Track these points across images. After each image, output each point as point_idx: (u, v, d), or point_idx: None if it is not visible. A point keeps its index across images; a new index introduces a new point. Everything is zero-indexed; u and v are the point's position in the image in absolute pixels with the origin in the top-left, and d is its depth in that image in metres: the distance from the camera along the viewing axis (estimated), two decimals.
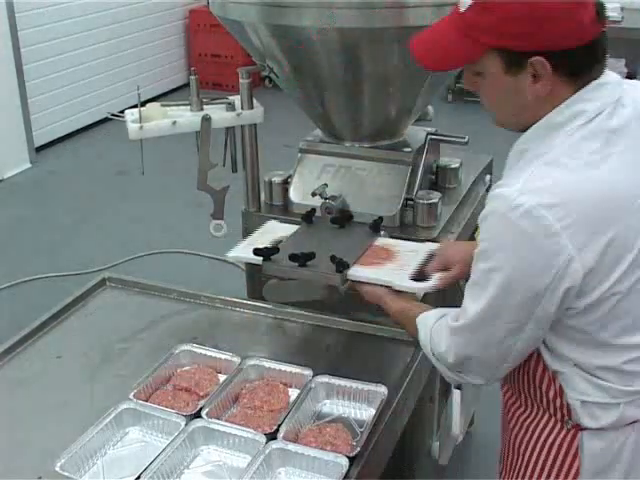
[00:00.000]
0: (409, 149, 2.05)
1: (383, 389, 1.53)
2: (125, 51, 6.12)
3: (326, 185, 2.00)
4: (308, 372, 1.58)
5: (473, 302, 1.21)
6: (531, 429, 1.33)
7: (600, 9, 1.16)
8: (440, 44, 1.22)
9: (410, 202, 1.99)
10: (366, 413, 1.52)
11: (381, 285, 1.59)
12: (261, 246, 1.76)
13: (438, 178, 2.21)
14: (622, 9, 4.64)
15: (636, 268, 1.16)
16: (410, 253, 1.73)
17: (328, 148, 2.11)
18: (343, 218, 1.91)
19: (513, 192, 1.12)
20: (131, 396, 1.51)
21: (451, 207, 2.09)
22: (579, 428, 1.26)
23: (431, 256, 1.69)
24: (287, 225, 1.92)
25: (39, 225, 4.34)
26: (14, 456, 1.44)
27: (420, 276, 1.62)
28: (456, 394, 1.70)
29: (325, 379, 1.57)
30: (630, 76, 4.51)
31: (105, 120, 5.09)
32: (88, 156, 5.38)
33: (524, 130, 1.23)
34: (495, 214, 1.14)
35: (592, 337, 1.20)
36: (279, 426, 1.42)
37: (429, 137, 2.10)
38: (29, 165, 5.22)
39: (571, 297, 1.15)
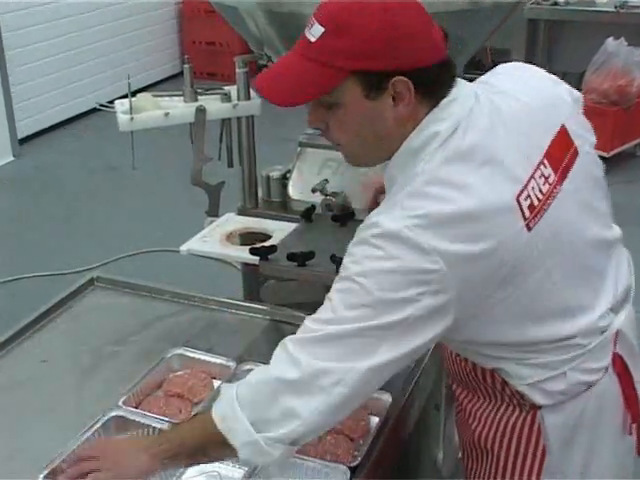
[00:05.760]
0: None
1: (386, 396, 1.54)
2: (115, 37, 6.12)
3: (327, 181, 2.01)
4: None
5: (322, 323, 1.17)
6: (490, 421, 1.37)
7: (445, 32, 1.22)
8: (290, 77, 1.19)
9: None
10: (369, 421, 1.52)
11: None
12: (216, 238, 1.79)
13: None
14: None
15: (507, 285, 1.18)
16: None
17: (329, 142, 2.11)
18: (344, 215, 1.92)
19: (379, 220, 1.16)
20: (120, 403, 1.52)
21: None
22: (536, 407, 1.30)
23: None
24: (247, 218, 1.95)
25: (23, 223, 4.34)
26: None
27: None
28: None
29: None
30: None
31: (94, 111, 5.09)
32: (75, 149, 5.38)
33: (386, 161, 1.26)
34: (361, 241, 1.18)
35: (505, 340, 1.26)
36: None
37: None
38: (12, 158, 5.22)
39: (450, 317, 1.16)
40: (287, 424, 1.16)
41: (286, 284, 1.92)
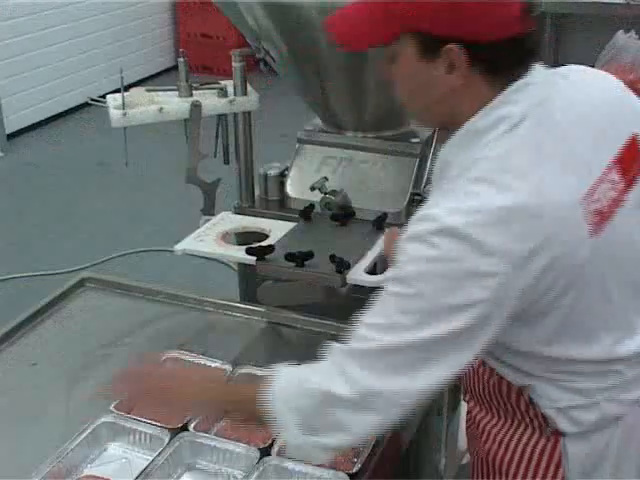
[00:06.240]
0: (417, 139, 2.06)
1: None
2: (107, 29, 6.12)
3: (326, 179, 2.01)
4: None
5: (377, 332, 1.14)
6: (505, 442, 1.33)
7: (531, 7, 1.16)
8: (356, 23, 1.21)
9: (417, 197, 1.99)
10: None
11: None
12: (211, 238, 1.79)
13: None
14: None
15: (564, 295, 1.15)
16: None
17: (328, 138, 2.11)
18: (344, 215, 1.92)
19: (436, 213, 1.10)
20: (112, 408, 1.52)
21: None
22: (559, 434, 1.27)
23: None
24: (243, 217, 1.95)
25: (11, 221, 4.34)
26: None
27: (376, 269, 1.65)
28: (464, 407, 1.71)
29: None
30: None
31: (85, 106, 5.09)
32: (66, 145, 5.38)
33: (441, 127, 1.24)
34: (416, 238, 1.11)
35: (547, 353, 1.21)
36: (273, 440, 1.42)
37: None
38: (0, 154, 5.22)
39: (503, 324, 1.13)
40: (336, 435, 1.16)
41: (284, 285, 1.92)
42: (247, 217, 2.00)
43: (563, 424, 1.25)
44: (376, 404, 1.12)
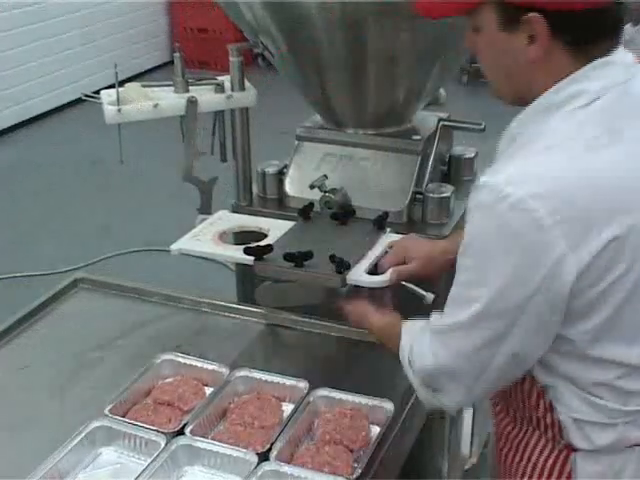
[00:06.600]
0: (418, 137, 2.06)
1: (388, 404, 1.55)
2: (100, 23, 6.13)
3: (326, 177, 2.01)
4: (304, 385, 1.59)
5: (453, 308, 1.23)
6: (521, 449, 1.35)
7: None
8: None
9: (419, 196, 2.00)
10: (369, 431, 1.53)
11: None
12: (209, 237, 1.79)
13: (451, 169, 2.22)
14: None
15: (630, 272, 1.14)
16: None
17: (328, 135, 2.12)
18: (344, 214, 1.92)
19: (500, 181, 1.13)
20: (106, 411, 1.52)
21: (465, 202, 2.09)
22: (571, 449, 1.27)
23: (390, 248, 1.72)
24: (241, 216, 1.95)
25: (2, 219, 4.34)
26: None
27: (376, 269, 1.66)
28: (468, 411, 1.72)
29: (324, 392, 1.58)
30: None
31: (78, 102, 5.08)
32: (59, 142, 5.38)
33: (517, 104, 1.25)
34: (480, 207, 1.16)
35: (582, 348, 1.20)
36: (272, 445, 1.43)
37: (441, 123, 2.11)
38: None
39: (565, 302, 1.14)
40: (447, 396, 1.30)
41: (282, 286, 1.92)
42: (245, 216, 2.01)
43: (576, 438, 1.26)
44: (458, 379, 1.25)
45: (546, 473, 1.31)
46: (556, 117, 1.16)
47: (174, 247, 1.84)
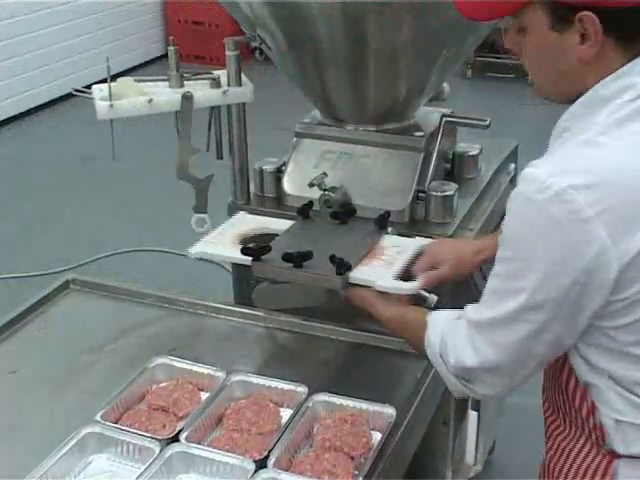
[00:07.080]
0: (421, 133, 2.06)
1: (390, 410, 1.55)
2: (92, 15, 6.12)
3: (325, 174, 2.01)
4: (303, 389, 1.59)
5: (493, 302, 1.26)
6: (566, 452, 1.36)
7: None
8: None
9: (422, 194, 2.00)
10: (370, 437, 1.52)
11: (361, 285, 1.62)
12: (228, 239, 1.77)
13: (454, 167, 2.22)
14: None
15: None
16: (394, 248, 1.76)
17: (328, 132, 2.12)
18: (345, 213, 1.92)
19: (542, 173, 1.16)
20: (98, 417, 1.52)
21: (469, 200, 2.10)
22: (614, 455, 1.28)
23: (419, 253, 1.72)
24: (261, 218, 1.94)
25: None
26: None
27: (406, 275, 1.66)
28: (472, 416, 1.72)
29: (323, 398, 1.58)
30: None
31: (68, 97, 5.09)
32: (49, 138, 5.38)
33: (565, 102, 1.27)
34: (521, 197, 1.18)
35: (623, 345, 1.22)
36: (270, 452, 1.43)
37: (444, 119, 2.11)
38: None
39: (604, 294, 1.16)
40: (480, 387, 1.33)
41: (281, 287, 1.93)
42: (266, 218, 1.95)
43: (617, 442, 1.27)
44: (499, 372, 1.28)
45: (588, 478, 1.32)
46: (603, 112, 1.19)
47: (193, 251, 1.78)
